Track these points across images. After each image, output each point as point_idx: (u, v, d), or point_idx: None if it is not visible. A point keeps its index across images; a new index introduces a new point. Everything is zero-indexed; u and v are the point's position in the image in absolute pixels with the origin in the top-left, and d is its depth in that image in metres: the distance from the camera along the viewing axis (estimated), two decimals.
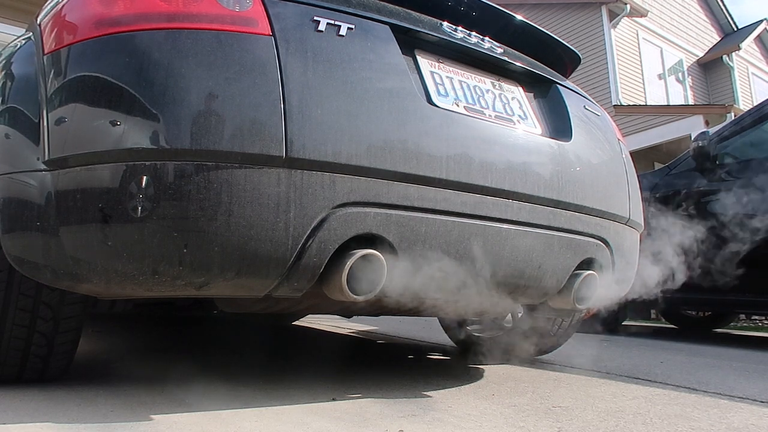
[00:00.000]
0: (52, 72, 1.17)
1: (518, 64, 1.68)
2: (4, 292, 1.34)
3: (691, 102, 12.54)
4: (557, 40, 1.87)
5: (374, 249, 1.21)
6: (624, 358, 2.53)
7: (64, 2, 1.25)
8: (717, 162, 3.45)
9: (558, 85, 1.79)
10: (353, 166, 1.18)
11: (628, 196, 1.78)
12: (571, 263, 1.58)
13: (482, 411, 1.38)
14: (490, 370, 2.04)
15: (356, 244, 1.21)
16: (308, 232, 1.15)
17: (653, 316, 5.78)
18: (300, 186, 1.13)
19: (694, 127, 9.35)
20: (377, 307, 1.49)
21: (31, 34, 1.35)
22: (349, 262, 1.19)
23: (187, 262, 1.09)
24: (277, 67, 1.15)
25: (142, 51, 1.09)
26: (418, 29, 1.45)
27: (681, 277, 2.21)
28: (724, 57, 13.20)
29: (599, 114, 1.90)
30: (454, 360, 2.32)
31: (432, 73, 1.46)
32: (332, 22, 1.27)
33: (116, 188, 1.06)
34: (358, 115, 1.21)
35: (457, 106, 1.44)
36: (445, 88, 1.45)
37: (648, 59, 12.03)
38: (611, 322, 3.88)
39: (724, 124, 4.74)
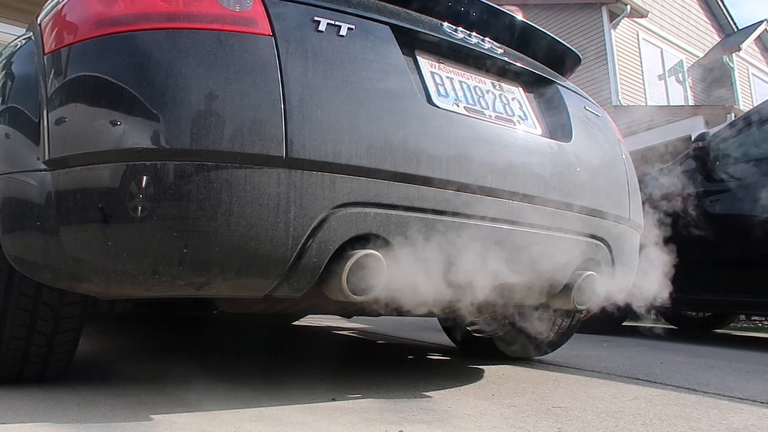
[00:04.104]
0: (53, 72, 1.17)
1: (518, 64, 1.68)
2: (4, 292, 1.34)
3: (691, 103, 12.54)
4: (557, 40, 1.87)
5: (374, 249, 1.21)
6: (624, 359, 2.53)
7: (64, 2, 1.25)
8: (717, 162, 3.45)
9: (558, 86, 1.79)
10: (353, 166, 1.18)
11: (628, 196, 1.78)
12: (571, 264, 1.58)
13: (482, 411, 1.38)
14: (490, 370, 2.04)
15: (356, 244, 1.21)
16: (308, 233, 1.15)
17: (653, 316, 5.77)
18: (300, 186, 1.13)
19: (694, 127, 9.35)
20: (377, 308, 1.49)
21: (31, 34, 1.35)
22: (349, 263, 1.18)
23: (187, 262, 1.09)
24: (277, 67, 1.15)
25: (143, 51, 1.09)
26: (419, 30, 1.45)
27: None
28: (725, 58, 13.21)
29: (599, 114, 1.90)
30: (454, 360, 2.32)
31: (432, 73, 1.46)
32: (332, 22, 1.27)
33: (116, 188, 1.06)
34: (359, 115, 1.21)
35: (458, 106, 1.44)
36: (445, 89, 1.45)
37: (648, 60, 12.03)
38: (611, 323, 3.87)
39: (724, 124, 4.74)
